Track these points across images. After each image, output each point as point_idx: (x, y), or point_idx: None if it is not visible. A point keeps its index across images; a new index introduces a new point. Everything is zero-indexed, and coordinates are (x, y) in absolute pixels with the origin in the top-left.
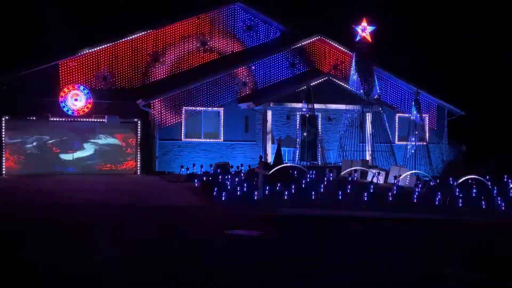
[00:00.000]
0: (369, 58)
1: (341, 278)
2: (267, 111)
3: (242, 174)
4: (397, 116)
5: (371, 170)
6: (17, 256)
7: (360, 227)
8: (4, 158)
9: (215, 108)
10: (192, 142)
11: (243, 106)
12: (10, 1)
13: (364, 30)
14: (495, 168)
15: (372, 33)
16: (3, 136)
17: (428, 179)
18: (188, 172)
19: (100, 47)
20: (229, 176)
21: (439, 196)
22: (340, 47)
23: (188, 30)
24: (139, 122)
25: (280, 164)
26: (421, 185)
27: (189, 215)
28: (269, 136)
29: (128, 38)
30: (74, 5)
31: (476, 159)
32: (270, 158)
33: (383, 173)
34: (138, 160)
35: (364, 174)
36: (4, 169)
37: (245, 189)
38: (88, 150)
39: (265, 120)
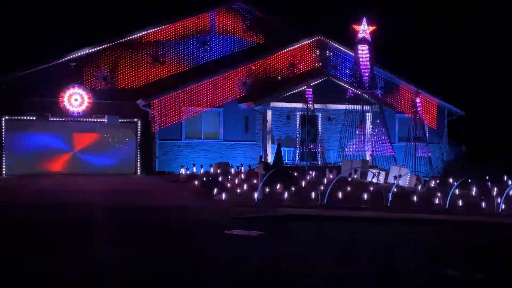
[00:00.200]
0: (369, 58)
1: (341, 278)
2: (267, 111)
3: (242, 174)
4: (397, 116)
5: (371, 170)
6: (16, 256)
7: (360, 227)
8: (4, 158)
9: (215, 108)
10: (192, 142)
11: (243, 106)
12: (10, 1)
13: (364, 30)
14: (495, 168)
15: (372, 33)
16: (3, 136)
17: (428, 179)
18: (188, 172)
19: (100, 47)
20: (229, 176)
21: (439, 196)
22: (340, 47)
23: (188, 30)
24: (139, 122)
25: (280, 164)
26: (421, 185)
27: (189, 215)
28: (269, 136)
29: (128, 38)
30: (74, 5)
31: (476, 159)
32: (270, 158)
33: (383, 173)
34: (138, 160)
35: (364, 174)
36: (4, 169)
37: (245, 189)
38: (88, 150)
39: (265, 120)
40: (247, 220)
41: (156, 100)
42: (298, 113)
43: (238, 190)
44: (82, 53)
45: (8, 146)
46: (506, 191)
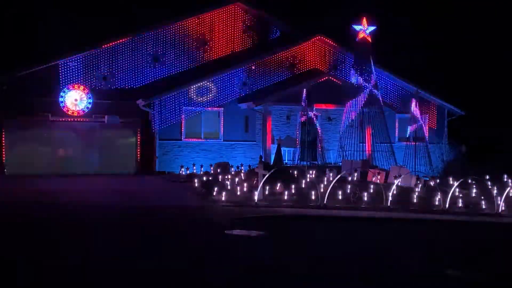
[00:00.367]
0: (369, 57)
1: (341, 278)
2: (267, 111)
3: (242, 174)
4: (397, 116)
5: (371, 170)
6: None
7: (360, 227)
8: (4, 158)
9: (215, 108)
10: (192, 142)
11: (243, 106)
12: (10, 1)
13: (364, 30)
14: (495, 168)
15: (372, 33)
16: (3, 136)
17: (428, 179)
18: (188, 172)
19: (100, 47)
20: (229, 176)
21: (439, 196)
22: (340, 47)
23: (188, 30)
24: (139, 122)
25: (280, 164)
26: (421, 185)
27: (189, 215)
28: (269, 136)
29: (128, 38)
30: (74, 5)
31: (476, 159)
32: (270, 158)
33: (383, 173)
34: (138, 160)
35: (364, 174)
36: (4, 169)
37: (245, 189)
38: (88, 150)
39: (265, 120)
40: (247, 220)
41: (156, 100)
42: (298, 113)
43: (238, 190)
44: (82, 53)
45: (8, 146)
46: (506, 191)
